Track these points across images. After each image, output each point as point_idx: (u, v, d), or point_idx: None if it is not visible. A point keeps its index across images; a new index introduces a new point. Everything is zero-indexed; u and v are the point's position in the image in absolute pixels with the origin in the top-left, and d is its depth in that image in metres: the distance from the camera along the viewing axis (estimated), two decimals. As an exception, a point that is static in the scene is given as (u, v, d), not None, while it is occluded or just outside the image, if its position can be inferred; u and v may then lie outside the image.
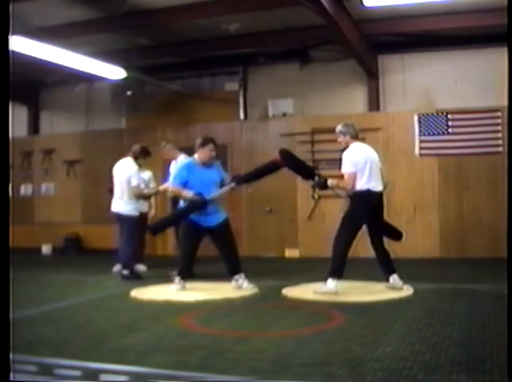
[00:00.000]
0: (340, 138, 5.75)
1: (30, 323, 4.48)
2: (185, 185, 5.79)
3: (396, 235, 5.86)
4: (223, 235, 5.93)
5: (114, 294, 6.10)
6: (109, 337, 3.98)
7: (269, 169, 5.95)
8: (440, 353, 3.34)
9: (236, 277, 5.92)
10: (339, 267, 5.47)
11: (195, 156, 5.94)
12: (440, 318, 4.41)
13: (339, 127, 5.78)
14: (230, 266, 5.96)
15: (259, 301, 5.48)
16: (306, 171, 5.94)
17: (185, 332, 4.15)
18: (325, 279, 5.48)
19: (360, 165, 5.52)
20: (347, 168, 5.54)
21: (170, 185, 5.93)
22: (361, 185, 5.53)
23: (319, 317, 4.59)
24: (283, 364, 3.20)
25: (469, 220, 8.73)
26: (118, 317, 4.77)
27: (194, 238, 5.87)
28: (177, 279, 5.92)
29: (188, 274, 6.05)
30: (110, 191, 7.69)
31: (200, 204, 5.68)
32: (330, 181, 5.66)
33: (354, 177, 5.51)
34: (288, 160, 5.80)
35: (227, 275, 6.01)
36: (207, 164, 5.88)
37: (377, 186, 5.62)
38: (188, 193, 5.74)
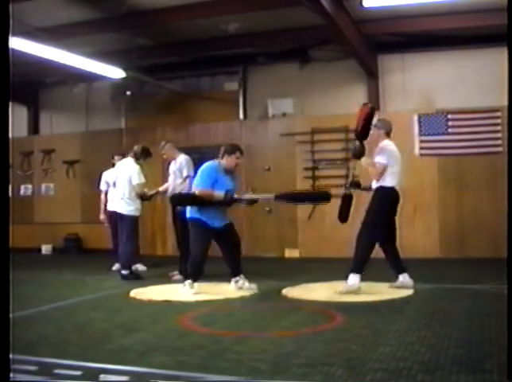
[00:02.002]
0: (374, 131, 5.74)
1: (30, 323, 4.48)
2: (213, 186, 5.70)
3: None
4: (230, 236, 5.93)
5: (113, 294, 6.10)
6: (108, 337, 3.98)
7: (315, 198, 5.98)
8: (440, 353, 3.34)
9: (236, 278, 5.93)
10: (361, 263, 5.53)
11: (222, 161, 5.85)
12: (440, 318, 4.41)
13: (375, 121, 5.78)
14: (232, 267, 5.95)
15: (259, 301, 5.47)
16: (365, 133, 5.64)
17: (185, 332, 4.15)
18: (345, 277, 5.52)
19: (393, 161, 5.60)
20: (381, 159, 5.59)
21: (198, 187, 5.70)
22: (387, 181, 5.59)
23: (319, 317, 4.59)
24: (283, 365, 3.20)
25: (469, 219, 8.73)
26: (118, 317, 4.77)
27: (207, 240, 5.78)
28: (189, 283, 5.72)
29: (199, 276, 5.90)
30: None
31: (230, 201, 5.72)
32: (364, 159, 5.67)
33: (383, 169, 5.57)
34: (370, 117, 5.59)
35: (227, 275, 6.00)
36: (228, 170, 5.85)
37: (398, 184, 5.71)
38: (220, 194, 5.65)
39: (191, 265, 5.78)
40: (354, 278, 5.47)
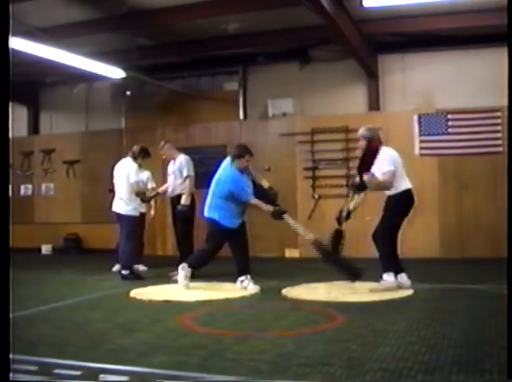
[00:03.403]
0: (362, 142, 5.68)
1: (30, 323, 4.48)
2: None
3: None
4: (242, 235, 6.08)
5: (113, 294, 6.10)
6: (108, 337, 3.98)
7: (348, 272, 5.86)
8: (440, 353, 3.34)
9: (242, 278, 5.95)
10: (392, 262, 5.59)
11: (234, 163, 6.03)
12: (440, 318, 4.40)
13: (362, 131, 5.74)
14: (240, 266, 6.02)
15: (259, 301, 5.48)
16: (369, 168, 5.54)
17: (185, 332, 4.15)
18: (380, 277, 5.60)
19: (399, 165, 5.61)
20: (387, 166, 5.51)
21: (251, 199, 5.90)
22: (405, 184, 5.63)
23: (319, 317, 4.59)
24: (282, 364, 3.20)
25: (469, 220, 8.72)
26: (118, 317, 4.77)
27: (221, 241, 6.04)
28: (186, 267, 5.97)
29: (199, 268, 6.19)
30: (111, 191, 7.71)
31: (282, 214, 6.01)
32: (368, 178, 5.42)
33: (394, 174, 5.53)
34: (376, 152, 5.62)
35: (227, 275, 6.01)
36: (242, 171, 6.05)
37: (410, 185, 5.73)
38: (269, 207, 5.90)
39: (199, 257, 6.17)
40: (388, 277, 5.56)
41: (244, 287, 5.90)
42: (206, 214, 6.08)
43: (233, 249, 6.06)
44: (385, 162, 5.53)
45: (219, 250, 6.07)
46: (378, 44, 9.45)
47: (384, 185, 5.59)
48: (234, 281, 6.03)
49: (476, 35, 8.72)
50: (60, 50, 7.67)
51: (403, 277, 5.68)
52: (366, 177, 5.40)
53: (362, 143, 5.65)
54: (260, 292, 5.79)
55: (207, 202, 6.08)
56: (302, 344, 3.64)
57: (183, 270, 5.96)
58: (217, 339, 3.86)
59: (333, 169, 9.34)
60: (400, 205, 5.65)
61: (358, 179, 5.49)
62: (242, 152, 6.03)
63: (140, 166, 7.34)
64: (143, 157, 7.36)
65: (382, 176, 5.49)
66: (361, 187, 5.55)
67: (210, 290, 5.96)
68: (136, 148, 7.35)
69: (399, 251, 5.83)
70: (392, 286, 5.52)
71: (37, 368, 3.13)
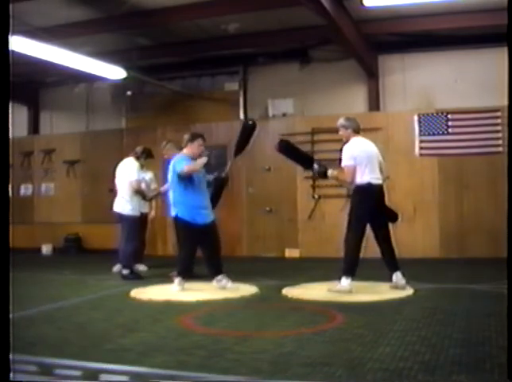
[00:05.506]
0: (342, 132, 5.78)
1: (30, 323, 4.47)
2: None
3: (392, 217, 5.85)
4: (213, 234, 6.00)
5: (113, 293, 6.10)
6: (109, 337, 3.98)
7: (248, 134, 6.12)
8: (440, 353, 3.34)
9: (219, 278, 5.95)
10: (352, 265, 5.51)
11: (184, 151, 6.03)
12: (440, 318, 4.41)
13: (341, 121, 5.80)
14: (214, 266, 6.01)
15: (259, 301, 5.47)
16: (304, 160, 5.96)
17: (185, 332, 4.15)
18: (338, 278, 5.52)
19: (360, 159, 5.54)
20: (346, 161, 5.58)
21: (184, 167, 5.77)
22: (361, 178, 5.54)
23: (319, 317, 4.59)
24: (283, 364, 3.20)
25: (469, 220, 8.72)
26: (118, 317, 4.78)
27: (195, 238, 5.90)
28: (178, 280, 5.91)
29: (189, 274, 6.08)
30: (111, 191, 7.71)
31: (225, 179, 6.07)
32: (330, 172, 5.76)
33: (353, 170, 5.54)
34: (286, 150, 5.94)
35: (227, 275, 6.00)
36: (195, 158, 5.96)
37: (377, 179, 5.63)
38: (201, 160, 5.85)
39: (180, 263, 6.01)
40: (345, 281, 5.49)
41: (223, 287, 5.90)
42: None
43: (204, 247, 5.98)
44: (345, 157, 5.61)
45: (191, 247, 5.92)
46: (378, 44, 9.46)
47: (344, 180, 5.73)
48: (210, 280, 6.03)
49: (476, 35, 8.73)
50: (61, 50, 7.67)
51: (398, 275, 5.66)
52: (329, 172, 5.75)
53: (342, 133, 5.78)
54: (260, 292, 5.78)
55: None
56: (302, 344, 3.65)
57: (176, 279, 5.95)
58: (217, 339, 3.87)
59: (333, 169, 9.33)
60: (356, 200, 5.59)
61: (317, 167, 5.78)
62: (194, 136, 6.04)
63: (142, 167, 7.38)
64: (145, 157, 7.41)
65: (342, 172, 5.66)
66: (321, 176, 5.85)
67: (210, 290, 5.95)
68: (139, 148, 7.41)
69: (396, 251, 5.80)
70: (345, 290, 5.44)
71: (37, 368, 3.13)
